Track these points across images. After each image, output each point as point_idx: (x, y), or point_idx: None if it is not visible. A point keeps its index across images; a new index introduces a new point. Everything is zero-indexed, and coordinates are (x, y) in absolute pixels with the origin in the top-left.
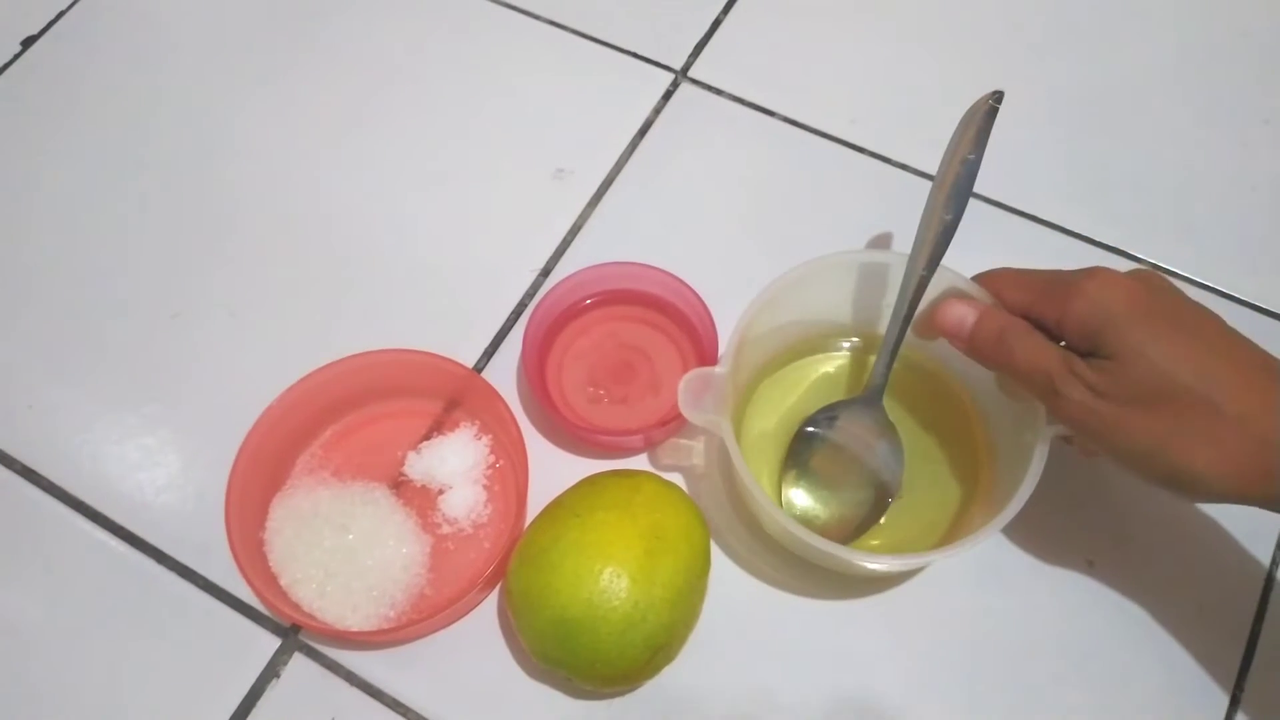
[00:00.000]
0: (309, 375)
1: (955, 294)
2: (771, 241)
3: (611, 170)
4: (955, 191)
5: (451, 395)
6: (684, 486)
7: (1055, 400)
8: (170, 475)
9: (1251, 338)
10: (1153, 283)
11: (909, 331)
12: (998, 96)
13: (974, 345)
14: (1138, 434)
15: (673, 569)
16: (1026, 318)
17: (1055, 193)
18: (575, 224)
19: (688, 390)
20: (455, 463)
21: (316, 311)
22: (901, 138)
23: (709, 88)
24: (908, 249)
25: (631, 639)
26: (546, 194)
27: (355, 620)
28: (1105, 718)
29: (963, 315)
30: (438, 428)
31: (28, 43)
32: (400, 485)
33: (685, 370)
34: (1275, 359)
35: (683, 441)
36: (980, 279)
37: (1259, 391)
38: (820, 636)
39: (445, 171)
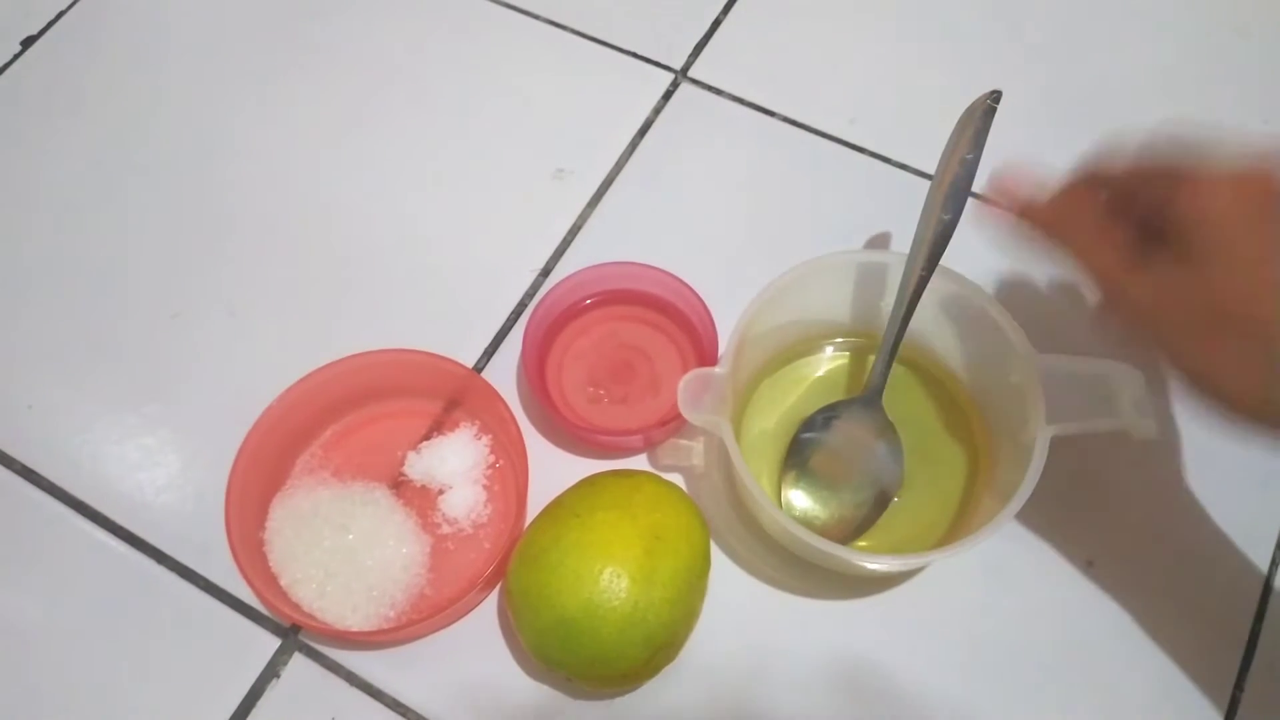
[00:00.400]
0: (309, 375)
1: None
2: (771, 241)
3: (611, 170)
4: (953, 191)
5: (451, 395)
6: (684, 486)
7: (1113, 299)
8: (170, 475)
9: None
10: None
11: (906, 326)
12: (996, 96)
13: (1027, 213)
14: (1189, 356)
15: (673, 569)
16: (1116, 190)
17: None
18: (575, 224)
19: (688, 390)
20: (455, 463)
21: (316, 311)
22: (901, 138)
23: (709, 88)
24: (907, 249)
25: (631, 639)
26: (546, 194)
27: (355, 620)
28: (1105, 718)
29: (1022, 186)
30: (438, 428)
31: (28, 43)
32: (400, 485)
33: (685, 370)
34: None
35: (683, 441)
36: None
37: None
38: (820, 636)
39: (445, 171)
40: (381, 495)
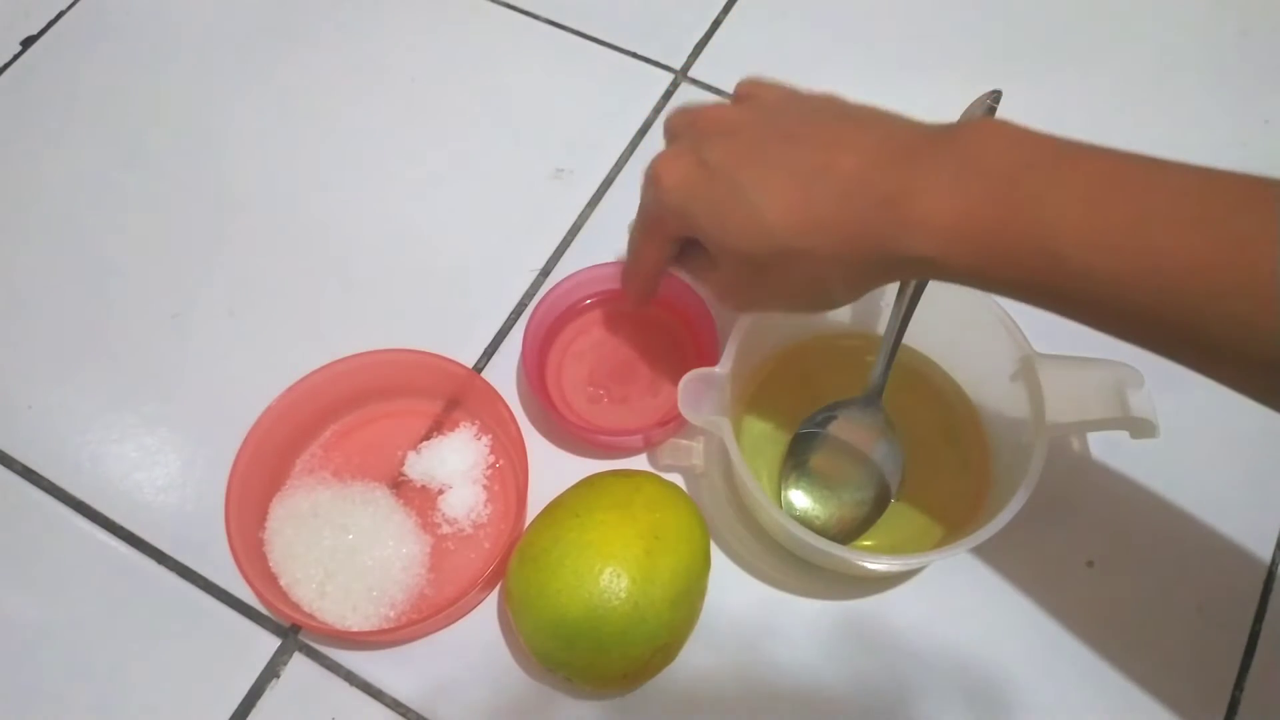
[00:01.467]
0: (309, 375)
1: None
2: None
3: (611, 170)
4: None
5: (451, 395)
6: (684, 486)
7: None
8: (170, 475)
9: None
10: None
11: (906, 326)
12: (995, 96)
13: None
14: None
15: (673, 569)
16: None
17: None
18: (575, 224)
19: (688, 390)
20: (455, 463)
21: (316, 311)
22: None
23: (709, 88)
24: None
25: (632, 639)
26: (546, 194)
27: (355, 620)
28: (1105, 718)
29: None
30: (438, 428)
31: (28, 43)
32: (400, 485)
33: (685, 370)
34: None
35: (683, 441)
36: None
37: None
38: (820, 636)
39: (445, 171)
40: (381, 495)
